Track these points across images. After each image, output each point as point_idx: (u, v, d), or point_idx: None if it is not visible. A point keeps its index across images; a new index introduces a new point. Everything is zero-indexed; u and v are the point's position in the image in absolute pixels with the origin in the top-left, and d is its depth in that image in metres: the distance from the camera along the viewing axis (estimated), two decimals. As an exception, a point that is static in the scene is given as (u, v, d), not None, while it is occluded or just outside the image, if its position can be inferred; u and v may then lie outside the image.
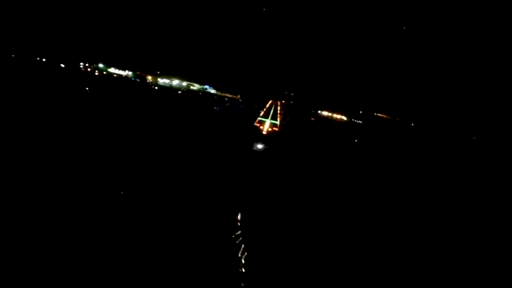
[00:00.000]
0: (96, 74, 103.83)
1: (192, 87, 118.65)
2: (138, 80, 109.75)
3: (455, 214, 27.82)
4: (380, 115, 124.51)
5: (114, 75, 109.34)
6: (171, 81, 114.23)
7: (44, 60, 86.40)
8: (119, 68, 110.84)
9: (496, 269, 17.59)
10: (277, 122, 71.26)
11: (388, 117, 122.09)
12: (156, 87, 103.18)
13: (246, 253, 14.01)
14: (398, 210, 25.80)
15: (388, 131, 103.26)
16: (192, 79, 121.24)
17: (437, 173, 50.50)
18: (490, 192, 40.98)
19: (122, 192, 18.03)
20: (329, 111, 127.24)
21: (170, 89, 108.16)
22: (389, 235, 19.63)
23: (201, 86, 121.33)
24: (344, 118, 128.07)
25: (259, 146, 40.92)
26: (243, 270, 12.88)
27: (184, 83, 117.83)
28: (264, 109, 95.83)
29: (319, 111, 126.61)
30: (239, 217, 17.42)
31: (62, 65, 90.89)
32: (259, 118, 71.09)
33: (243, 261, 13.46)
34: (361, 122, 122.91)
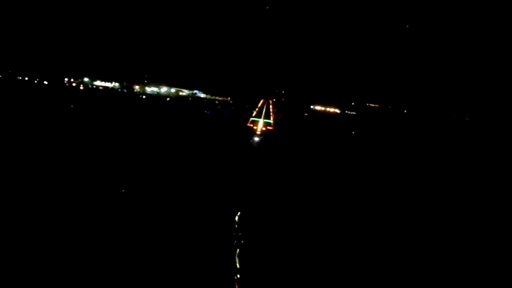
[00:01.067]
0: (81, 88, 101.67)
1: (181, 93, 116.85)
2: (126, 91, 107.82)
3: (455, 205, 26.44)
4: (372, 105, 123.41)
5: (100, 88, 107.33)
6: (159, 88, 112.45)
7: (25, 78, 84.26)
8: (105, 80, 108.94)
9: (494, 263, 15.88)
10: (271, 121, 69.76)
11: (381, 106, 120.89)
12: (144, 96, 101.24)
13: (243, 253, 13.69)
14: (399, 204, 24.38)
15: (382, 120, 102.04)
16: (180, 85, 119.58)
17: (435, 159, 49.21)
18: (488, 179, 39.75)
19: (116, 202, 16.52)
20: (322, 105, 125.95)
21: (159, 96, 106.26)
22: (391, 232, 18.23)
23: (190, 91, 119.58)
24: (337, 111, 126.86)
25: (255, 146, 39.39)
26: (240, 270, 12.61)
27: (173, 90, 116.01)
28: (256, 109, 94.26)
29: (312, 106, 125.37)
30: (238, 219, 16.95)
31: (45, 82, 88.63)
32: (252, 118, 69.53)
33: (240, 261, 13.17)
34: (354, 113, 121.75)
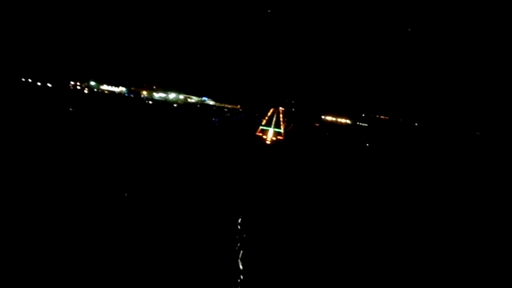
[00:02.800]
0: (86, 91, 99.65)
1: (189, 100, 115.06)
2: (132, 96, 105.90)
3: (466, 212, 25.87)
4: (383, 117, 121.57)
5: (106, 92, 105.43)
6: (167, 94, 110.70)
7: (29, 80, 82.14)
8: (112, 85, 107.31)
9: (495, 266, 15.97)
10: (281, 130, 67.33)
11: (391, 118, 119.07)
12: (151, 102, 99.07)
13: (249, 258, 13.66)
14: (410, 213, 23.75)
15: (393, 132, 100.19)
16: (189, 91, 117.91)
17: (445, 170, 47.49)
18: (495, 188, 38.73)
19: (119, 206, 16.80)
20: (333, 116, 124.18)
21: (166, 102, 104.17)
22: (402, 242, 17.63)
23: (199, 98, 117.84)
24: (348, 122, 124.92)
25: (263, 155, 37.32)
26: (243, 273, 12.68)
27: (181, 96, 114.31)
28: (266, 117, 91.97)
29: (322, 116, 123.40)
30: (242, 225, 16.83)
31: (49, 85, 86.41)
32: (261, 127, 67.13)
33: (243, 265, 13.23)
34: (366, 124, 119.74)
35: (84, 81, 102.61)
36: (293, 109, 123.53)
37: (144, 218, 16.09)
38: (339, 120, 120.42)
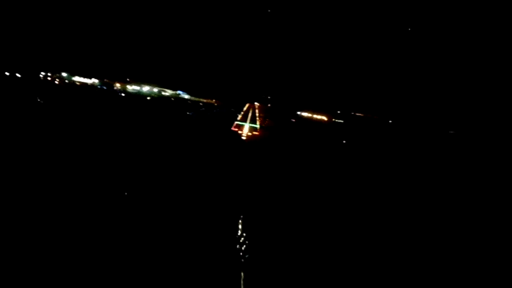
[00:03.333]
0: (57, 82, 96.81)
1: (164, 93, 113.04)
2: (105, 88, 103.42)
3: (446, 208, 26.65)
4: (359, 114, 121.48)
5: (77, 84, 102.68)
6: (141, 87, 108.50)
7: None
8: (85, 76, 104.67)
9: (487, 261, 15.90)
10: (257, 125, 66.39)
11: (368, 115, 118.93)
12: (124, 94, 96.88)
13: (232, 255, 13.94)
14: (390, 210, 23.73)
15: (370, 130, 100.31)
16: (164, 85, 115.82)
17: (421, 167, 47.49)
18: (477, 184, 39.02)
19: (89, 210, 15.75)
20: (309, 112, 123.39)
21: (140, 95, 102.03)
22: (383, 238, 17.65)
23: (174, 92, 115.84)
24: (324, 118, 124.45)
25: (239, 151, 36.47)
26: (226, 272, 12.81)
27: (156, 89, 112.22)
28: (242, 112, 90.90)
29: (298, 112, 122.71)
30: (222, 223, 16.58)
31: (18, 75, 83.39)
32: (236, 122, 66.12)
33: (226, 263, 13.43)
34: (342, 121, 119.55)
35: (56, 72, 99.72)
36: (269, 104, 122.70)
37: (117, 214, 15.68)
38: (315, 116, 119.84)
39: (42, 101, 52.27)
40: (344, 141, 67.27)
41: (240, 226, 16.00)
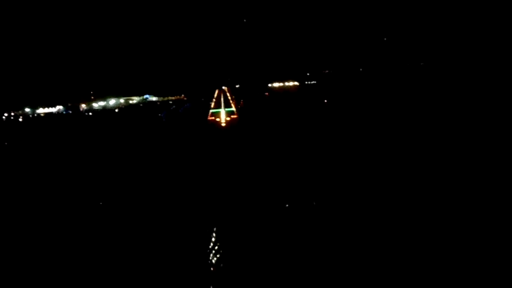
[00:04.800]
0: (20, 120, 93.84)
1: (131, 102, 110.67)
2: (71, 112, 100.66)
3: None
4: (327, 71, 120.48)
5: (42, 115, 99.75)
6: (107, 102, 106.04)
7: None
8: (48, 106, 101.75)
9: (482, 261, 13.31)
10: (233, 109, 64.74)
11: (335, 70, 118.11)
12: (91, 113, 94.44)
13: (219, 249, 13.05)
14: (378, 174, 22.27)
15: (341, 84, 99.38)
16: (129, 93, 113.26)
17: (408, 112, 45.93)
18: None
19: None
20: (280, 82, 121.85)
21: (108, 110, 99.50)
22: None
23: (141, 97, 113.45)
24: (296, 83, 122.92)
25: (220, 138, 35.39)
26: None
27: (122, 100, 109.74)
28: (214, 100, 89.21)
29: (269, 85, 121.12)
30: (214, 216, 16.10)
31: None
32: (211, 110, 64.37)
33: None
34: (315, 82, 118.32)
35: (18, 109, 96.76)
36: (238, 85, 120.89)
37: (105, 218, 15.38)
38: (287, 84, 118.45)
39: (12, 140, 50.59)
40: (326, 101, 66.19)
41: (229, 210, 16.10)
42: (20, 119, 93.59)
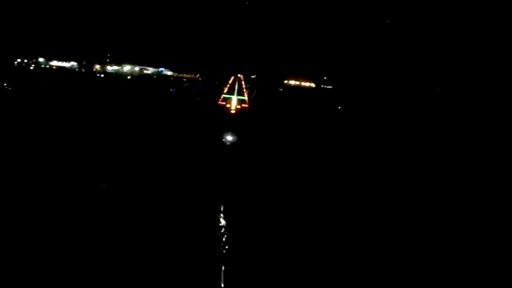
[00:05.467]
0: (32, 68, 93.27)
1: (145, 72, 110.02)
2: (83, 70, 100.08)
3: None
4: (345, 79, 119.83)
5: (54, 67, 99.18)
6: (122, 67, 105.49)
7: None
8: (62, 60, 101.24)
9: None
10: (245, 98, 63.87)
11: (354, 79, 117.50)
12: (103, 75, 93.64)
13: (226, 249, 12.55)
14: (389, 181, 22.16)
15: (359, 94, 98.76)
16: (145, 63, 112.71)
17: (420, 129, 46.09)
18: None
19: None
20: (296, 80, 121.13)
21: (120, 75, 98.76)
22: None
23: (156, 69, 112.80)
24: (312, 85, 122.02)
25: (227, 126, 34.52)
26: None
27: (137, 68, 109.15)
28: (227, 85, 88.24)
29: (285, 81, 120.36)
30: (214, 204, 15.77)
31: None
32: (223, 95, 63.56)
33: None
34: (331, 87, 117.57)
35: (32, 57, 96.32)
36: (254, 76, 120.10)
37: (99, 199, 14.86)
38: (303, 84, 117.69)
39: (18, 88, 49.88)
40: (339, 107, 65.37)
41: (237, 201, 15.27)
42: (31, 68, 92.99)
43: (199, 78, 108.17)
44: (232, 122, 38.40)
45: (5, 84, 50.94)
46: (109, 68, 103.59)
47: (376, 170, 23.27)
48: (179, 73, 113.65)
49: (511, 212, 19.87)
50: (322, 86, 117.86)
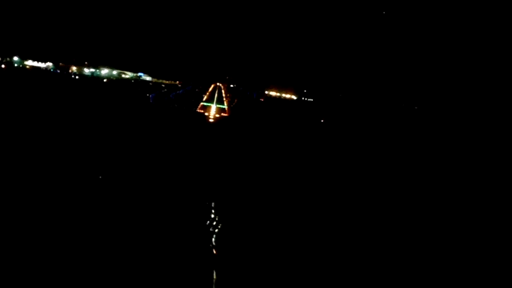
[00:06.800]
0: (3, 67, 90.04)
1: (124, 76, 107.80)
2: (59, 71, 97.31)
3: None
4: (326, 91, 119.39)
5: (28, 67, 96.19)
6: (100, 70, 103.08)
7: None
8: (37, 60, 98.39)
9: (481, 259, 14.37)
10: (225, 106, 62.38)
11: (335, 93, 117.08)
12: (79, 78, 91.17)
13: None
14: (363, 187, 23.05)
15: (341, 108, 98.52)
16: (124, 67, 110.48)
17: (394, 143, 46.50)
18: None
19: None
20: (277, 91, 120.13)
21: (97, 78, 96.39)
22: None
23: (134, 74, 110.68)
24: (293, 97, 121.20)
25: (206, 134, 33.54)
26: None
27: (115, 72, 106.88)
28: (207, 93, 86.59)
29: (266, 92, 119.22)
30: (187, 211, 15.80)
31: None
32: (202, 103, 62.06)
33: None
34: (312, 100, 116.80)
35: (6, 56, 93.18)
36: (235, 84, 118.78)
37: (75, 204, 14.16)
38: (284, 95, 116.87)
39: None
40: (322, 121, 64.71)
41: (212, 211, 15.53)
42: (3, 66, 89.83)
43: (179, 85, 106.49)
44: (210, 129, 37.38)
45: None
46: (86, 70, 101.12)
47: (349, 180, 23.41)
48: (158, 78, 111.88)
49: (503, 212, 20.02)
50: (303, 98, 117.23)
